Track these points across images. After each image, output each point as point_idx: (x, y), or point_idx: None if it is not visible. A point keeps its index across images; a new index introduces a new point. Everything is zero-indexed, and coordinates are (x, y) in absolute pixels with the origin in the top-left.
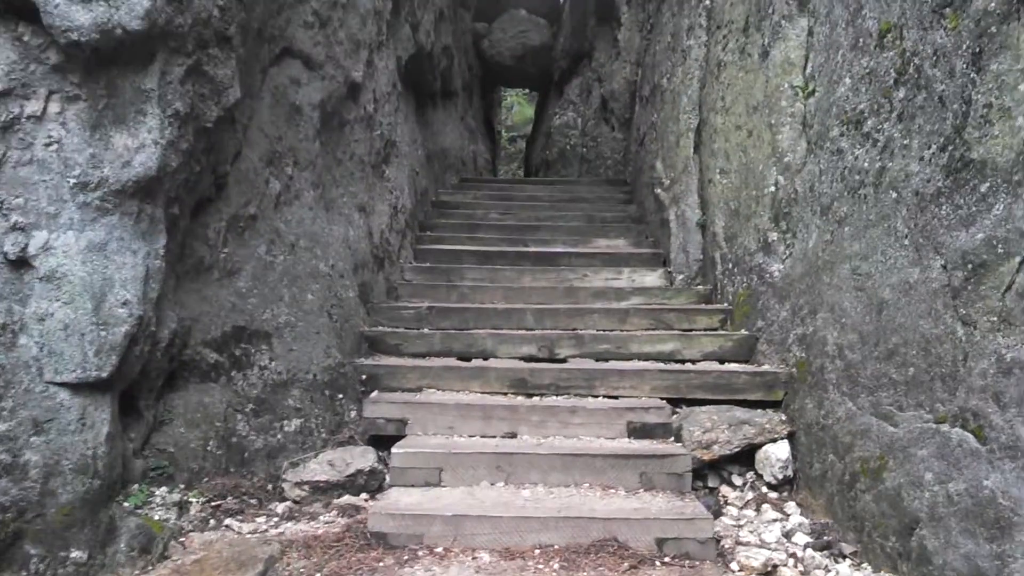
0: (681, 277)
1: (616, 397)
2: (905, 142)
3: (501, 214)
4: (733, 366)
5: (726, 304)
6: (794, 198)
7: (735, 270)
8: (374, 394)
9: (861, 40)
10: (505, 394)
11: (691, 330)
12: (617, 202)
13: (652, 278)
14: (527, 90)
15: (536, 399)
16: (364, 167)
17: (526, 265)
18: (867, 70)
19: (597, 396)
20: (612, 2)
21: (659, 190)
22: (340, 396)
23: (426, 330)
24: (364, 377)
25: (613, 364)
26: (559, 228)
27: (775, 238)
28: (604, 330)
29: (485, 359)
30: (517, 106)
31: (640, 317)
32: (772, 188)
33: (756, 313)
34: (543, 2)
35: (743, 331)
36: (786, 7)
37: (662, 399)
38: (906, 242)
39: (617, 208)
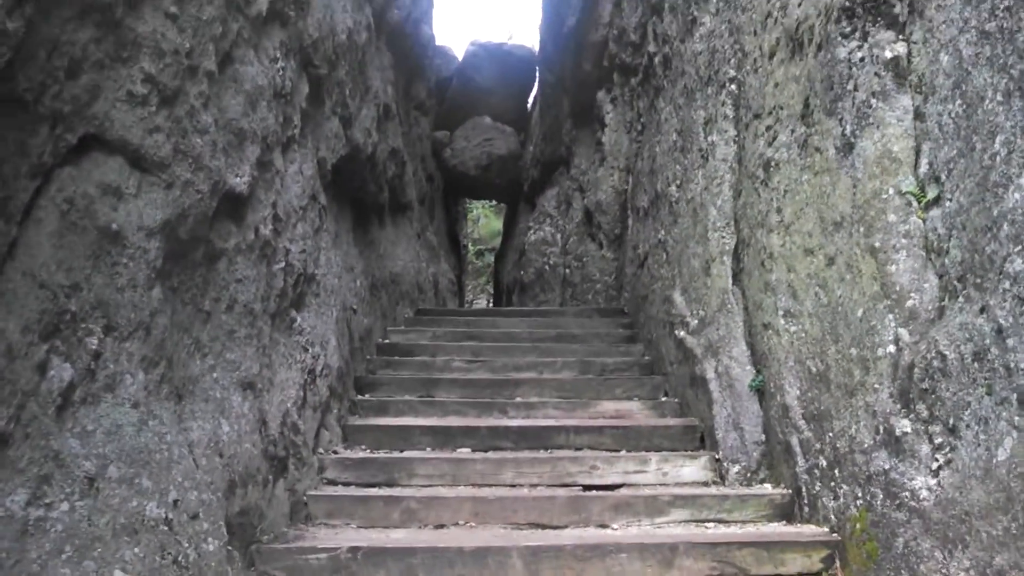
0: (737, 469)
1: None
2: None
3: (468, 362)
4: None
5: (827, 528)
6: (940, 368)
7: (836, 474)
8: None
9: None
10: None
11: None
12: (617, 340)
13: (693, 469)
14: (494, 202)
15: None
16: (255, 320)
17: (506, 447)
18: None
19: None
20: (593, 101)
21: (683, 333)
22: None
23: None
24: None
25: None
26: (546, 383)
27: (908, 430)
28: None
29: None
30: (484, 218)
31: (695, 557)
32: (891, 347)
33: (896, 560)
34: (509, 109)
35: None
36: (876, 80)
37: None
38: None
39: (619, 349)
